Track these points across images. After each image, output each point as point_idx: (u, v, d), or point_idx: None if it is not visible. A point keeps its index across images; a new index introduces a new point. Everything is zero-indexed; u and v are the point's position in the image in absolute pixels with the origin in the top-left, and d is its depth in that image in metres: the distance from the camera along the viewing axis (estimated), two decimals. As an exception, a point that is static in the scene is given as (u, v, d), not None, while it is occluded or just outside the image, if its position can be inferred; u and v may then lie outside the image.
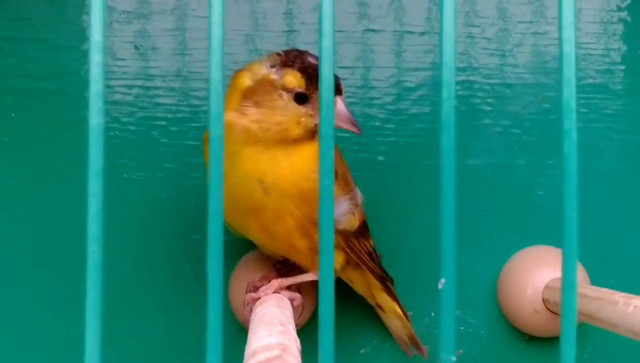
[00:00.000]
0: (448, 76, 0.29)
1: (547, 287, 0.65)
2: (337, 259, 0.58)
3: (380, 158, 0.69)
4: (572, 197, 0.29)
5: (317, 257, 0.52)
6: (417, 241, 0.69)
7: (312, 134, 0.53)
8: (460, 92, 0.69)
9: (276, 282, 0.58)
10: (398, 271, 0.67)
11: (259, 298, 0.57)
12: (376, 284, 0.62)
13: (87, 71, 0.57)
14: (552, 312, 0.65)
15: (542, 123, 0.69)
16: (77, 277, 0.32)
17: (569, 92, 0.29)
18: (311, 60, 0.53)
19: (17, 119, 0.68)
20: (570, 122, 0.29)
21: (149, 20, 0.69)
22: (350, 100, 0.68)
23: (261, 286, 0.59)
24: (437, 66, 0.68)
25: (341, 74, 0.67)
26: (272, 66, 0.54)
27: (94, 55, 0.29)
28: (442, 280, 0.30)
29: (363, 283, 0.63)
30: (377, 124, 0.69)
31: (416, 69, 0.69)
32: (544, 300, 0.65)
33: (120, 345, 0.67)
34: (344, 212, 0.57)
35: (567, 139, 0.29)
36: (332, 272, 0.30)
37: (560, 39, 0.29)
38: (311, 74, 0.52)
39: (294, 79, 0.53)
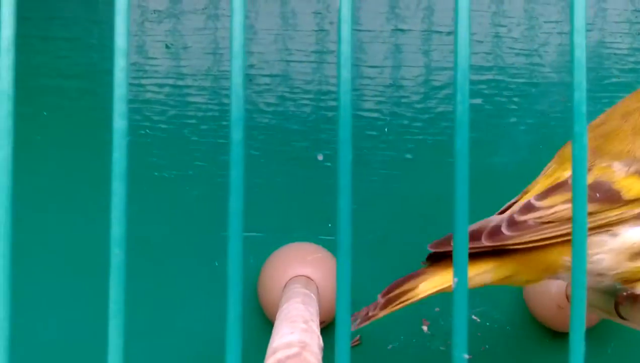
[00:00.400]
0: (462, 79, 0.30)
1: (570, 285, 0.66)
2: None
3: (408, 156, 0.70)
4: (582, 198, 0.30)
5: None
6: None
7: None
8: (486, 91, 0.70)
9: None
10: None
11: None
12: None
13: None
14: (576, 308, 0.66)
15: (567, 121, 0.70)
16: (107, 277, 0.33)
17: (580, 97, 0.31)
18: None
19: (48, 118, 0.69)
20: (581, 126, 0.31)
21: (180, 20, 0.70)
22: (378, 98, 0.70)
23: None
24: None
25: (369, 73, 0.69)
26: None
27: (118, 59, 0.31)
28: (455, 279, 0.31)
29: None
30: (405, 122, 0.70)
31: (444, 68, 0.70)
32: (568, 297, 0.66)
33: (149, 341, 0.69)
34: None
35: (578, 142, 0.30)
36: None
37: (572, 44, 0.30)
38: None
39: None
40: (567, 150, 0.55)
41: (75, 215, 0.69)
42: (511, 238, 0.49)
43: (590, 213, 0.47)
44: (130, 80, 0.69)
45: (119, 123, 0.31)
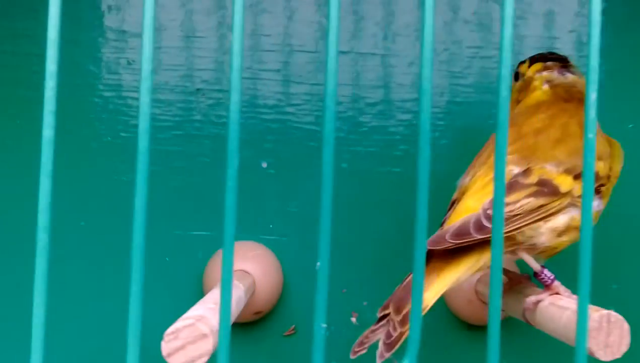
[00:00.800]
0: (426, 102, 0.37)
1: (478, 281, 0.75)
2: None
3: (344, 165, 0.79)
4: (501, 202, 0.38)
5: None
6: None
7: None
8: (416, 109, 0.78)
9: (558, 285, 0.62)
10: (358, 266, 0.78)
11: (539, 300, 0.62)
12: None
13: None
14: (483, 302, 0.75)
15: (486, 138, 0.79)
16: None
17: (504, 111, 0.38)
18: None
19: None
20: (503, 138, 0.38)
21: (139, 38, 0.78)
22: (318, 113, 0.78)
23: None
24: (388, 85, 0.78)
25: (312, 90, 0.77)
26: None
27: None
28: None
29: None
30: (342, 135, 0.78)
31: (377, 87, 0.79)
32: (476, 292, 0.75)
33: (105, 326, 0.77)
34: None
35: (500, 134, 0.38)
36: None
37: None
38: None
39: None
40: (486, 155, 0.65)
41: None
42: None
43: (543, 205, 0.59)
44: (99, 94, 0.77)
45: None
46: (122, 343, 0.39)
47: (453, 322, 0.79)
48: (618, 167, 0.66)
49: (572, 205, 0.60)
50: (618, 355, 0.51)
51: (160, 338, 0.46)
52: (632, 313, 0.53)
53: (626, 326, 0.51)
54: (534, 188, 0.60)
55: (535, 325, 0.61)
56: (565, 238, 0.61)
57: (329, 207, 0.38)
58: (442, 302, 0.78)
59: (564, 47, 0.80)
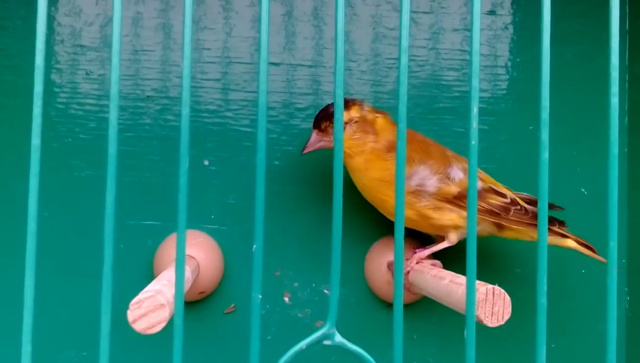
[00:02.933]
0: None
1: (390, 264, 0.84)
2: (447, 216, 0.78)
3: (276, 162, 0.88)
4: (401, 197, 0.45)
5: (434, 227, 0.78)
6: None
7: None
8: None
9: (416, 255, 0.79)
10: (289, 252, 0.88)
11: (408, 272, 0.78)
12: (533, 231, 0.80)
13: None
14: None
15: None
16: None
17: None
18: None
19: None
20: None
21: (98, 53, 0.88)
22: (253, 117, 0.87)
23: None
24: (316, 92, 0.88)
25: (247, 96, 0.87)
26: None
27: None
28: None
29: (524, 235, 0.81)
30: (274, 136, 0.88)
31: (306, 94, 0.89)
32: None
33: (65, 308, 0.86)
34: (425, 177, 0.77)
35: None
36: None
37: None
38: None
39: None
40: None
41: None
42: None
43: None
44: (61, 100, 0.86)
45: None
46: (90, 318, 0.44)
47: (374, 301, 0.89)
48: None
49: None
50: (502, 322, 0.60)
51: (117, 313, 0.53)
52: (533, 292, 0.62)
53: (508, 298, 0.59)
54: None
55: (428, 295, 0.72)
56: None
57: (262, 199, 0.44)
58: (364, 282, 0.88)
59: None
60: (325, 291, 0.88)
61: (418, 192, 0.77)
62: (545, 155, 0.46)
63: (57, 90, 0.87)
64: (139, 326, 0.56)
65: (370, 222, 0.88)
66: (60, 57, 0.87)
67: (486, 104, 0.90)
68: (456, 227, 0.78)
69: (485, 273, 0.68)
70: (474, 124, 0.46)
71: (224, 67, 0.89)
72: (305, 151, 0.79)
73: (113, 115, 0.44)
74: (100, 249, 0.83)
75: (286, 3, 0.89)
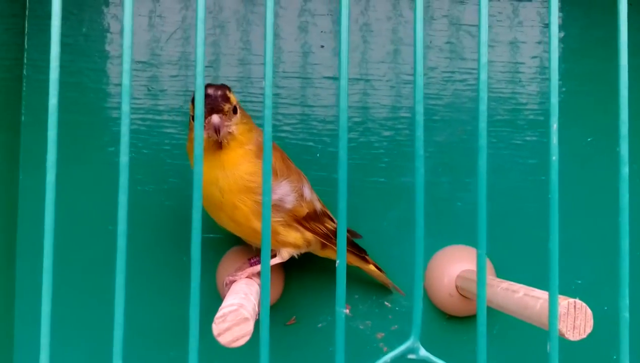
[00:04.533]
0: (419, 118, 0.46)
1: (459, 276, 0.84)
2: (292, 235, 0.77)
3: (335, 176, 0.89)
4: (483, 208, 0.44)
5: (278, 242, 0.73)
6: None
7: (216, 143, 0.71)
8: (398, 126, 0.89)
9: (249, 269, 0.79)
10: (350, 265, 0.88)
11: (235, 280, 0.77)
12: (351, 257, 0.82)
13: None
14: (462, 295, 0.84)
15: (461, 150, 0.89)
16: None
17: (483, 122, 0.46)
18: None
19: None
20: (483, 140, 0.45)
21: (159, 68, 0.89)
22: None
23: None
24: (364, 108, 0.89)
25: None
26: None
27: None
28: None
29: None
30: (333, 149, 0.89)
31: (358, 108, 0.90)
32: (457, 287, 0.85)
33: (135, 319, 0.87)
34: (286, 193, 0.75)
35: (481, 156, 0.45)
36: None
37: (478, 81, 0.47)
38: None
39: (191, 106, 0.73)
40: None
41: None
42: None
43: None
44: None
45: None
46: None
47: (434, 312, 0.89)
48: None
49: None
50: (584, 336, 0.59)
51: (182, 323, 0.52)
52: (593, 303, 0.61)
53: (589, 312, 0.59)
54: None
55: (504, 311, 0.71)
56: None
57: (345, 213, 0.46)
58: (425, 295, 0.88)
59: (528, 71, 0.91)
60: (387, 303, 0.89)
61: (276, 207, 0.75)
62: (625, 170, 0.46)
63: (119, 106, 0.88)
64: (224, 339, 0.56)
65: (433, 232, 0.88)
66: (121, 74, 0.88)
67: (541, 115, 0.90)
68: (296, 247, 0.78)
69: (545, 286, 0.68)
70: (554, 140, 0.47)
71: (279, 80, 0.90)
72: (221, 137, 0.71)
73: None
74: (166, 262, 0.85)
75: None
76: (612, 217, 0.90)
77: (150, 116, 0.89)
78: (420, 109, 0.46)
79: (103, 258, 0.87)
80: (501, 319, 0.88)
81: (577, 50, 0.91)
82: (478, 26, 0.46)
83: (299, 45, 0.90)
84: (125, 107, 0.46)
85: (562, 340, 0.57)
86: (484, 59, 0.46)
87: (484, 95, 0.46)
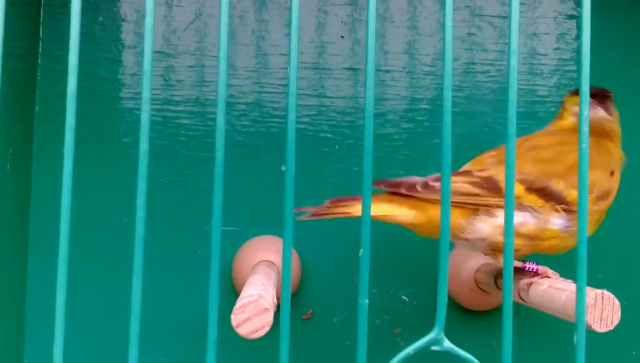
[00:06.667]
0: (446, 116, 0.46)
1: (478, 270, 0.83)
2: None
3: (355, 168, 0.88)
4: (510, 198, 0.45)
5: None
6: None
7: None
8: (418, 118, 0.88)
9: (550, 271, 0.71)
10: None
11: (531, 283, 0.70)
12: None
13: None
14: (481, 289, 0.83)
15: (482, 142, 0.88)
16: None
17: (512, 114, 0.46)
18: None
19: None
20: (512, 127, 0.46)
21: (176, 59, 0.88)
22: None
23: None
24: (389, 98, 0.88)
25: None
26: None
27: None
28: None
29: None
30: (352, 141, 0.88)
31: (383, 100, 0.88)
32: (476, 281, 0.84)
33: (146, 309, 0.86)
34: None
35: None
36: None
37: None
38: None
39: None
40: (484, 156, 0.73)
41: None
42: (421, 193, 0.68)
43: (478, 195, 0.67)
44: (138, 106, 0.87)
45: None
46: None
47: (451, 306, 0.88)
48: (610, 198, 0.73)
49: (525, 211, 0.67)
50: (611, 327, 0.58)
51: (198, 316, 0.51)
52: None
53: (617, 303, 0.58)
54: (476, 179, 0.68)
55: (529, 304, 0.69)
56: (517, 241, 0.67)
57: (369, 206, 0.45)
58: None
59: (550, 63, 0.89)
60: (404, 297, 0.88)
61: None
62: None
63: (135, 96, 0.88)
64: (243, 330, 0.55)
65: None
66: (138, 64, 0.87)
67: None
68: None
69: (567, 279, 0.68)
70: (585, 128, 0.46)
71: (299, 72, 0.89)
72: None
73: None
74: (182, 255, 0.84)
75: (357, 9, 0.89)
76: (634, 212, 0.90)
77: (166, 107, 0.88)
78: (448, 95, 0.45)
79: (117, 251, 0.85)
80: (521, 312, 0.86)
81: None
82: (509, 13, 0.45)
83: (318, 35, 0.89)
84: (146, 94, 0.45)
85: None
86: (514, 46, 0.45)
87: (514, 81, 0.46)
